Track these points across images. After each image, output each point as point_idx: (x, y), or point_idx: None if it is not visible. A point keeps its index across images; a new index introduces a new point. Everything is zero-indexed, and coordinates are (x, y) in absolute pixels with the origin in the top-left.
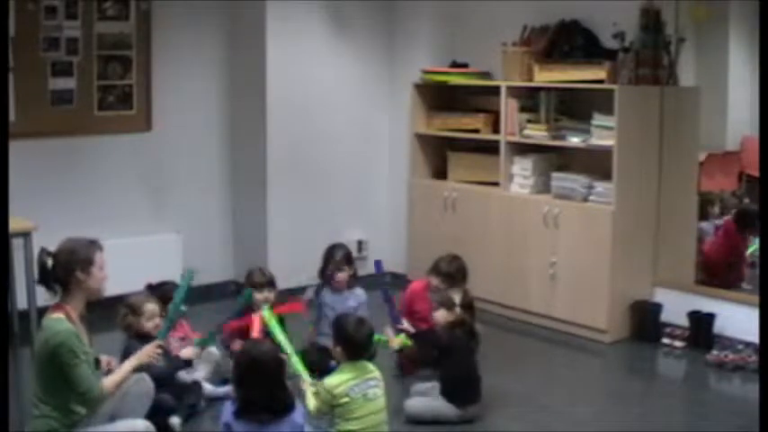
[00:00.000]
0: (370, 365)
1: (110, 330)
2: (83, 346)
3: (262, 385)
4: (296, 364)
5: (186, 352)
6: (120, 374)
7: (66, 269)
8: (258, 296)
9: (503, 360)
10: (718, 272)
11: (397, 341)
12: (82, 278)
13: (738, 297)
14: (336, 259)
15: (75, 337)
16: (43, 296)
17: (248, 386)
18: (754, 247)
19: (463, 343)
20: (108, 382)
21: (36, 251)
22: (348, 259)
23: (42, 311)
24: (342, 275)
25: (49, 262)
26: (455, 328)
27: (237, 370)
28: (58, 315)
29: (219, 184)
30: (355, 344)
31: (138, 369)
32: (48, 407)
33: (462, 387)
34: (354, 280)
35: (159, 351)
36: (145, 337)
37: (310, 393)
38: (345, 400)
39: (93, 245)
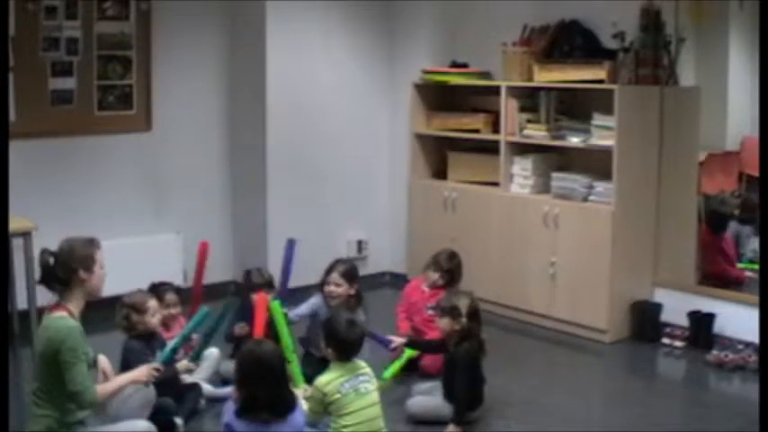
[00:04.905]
0: (361, 363)
1: (109, 330)
2: (85, 345)
3: (265, 385)
4: (295, 368)
5: (182, 366)
6: (114, 386)
7: (69, 268)
8: (256, 298)
9: (503, 360)
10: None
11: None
12: (84, 277)
13: (738, 297)
14: (332, 273)
15: (80, 335)
16: (45, 296)
17: (251, 386)
18: (748, 263)
19: (470, 359)
20: (101, 389)
21: (36, 251)
22: (349, 275)
23: (42, 310)
24: (335, 289)
25: (51, 261)
26: (463, 340)
27: (241, 370)
28: (61, 313)
29: (219, 183)
30: (347, 345)
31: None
32: (48, 406)
33: (466, 397)
34: (357, 301)
35: (156, 374)
36: (144, 337)
37: (303, 399)
38: (336, 396)
39: (93, 243)
